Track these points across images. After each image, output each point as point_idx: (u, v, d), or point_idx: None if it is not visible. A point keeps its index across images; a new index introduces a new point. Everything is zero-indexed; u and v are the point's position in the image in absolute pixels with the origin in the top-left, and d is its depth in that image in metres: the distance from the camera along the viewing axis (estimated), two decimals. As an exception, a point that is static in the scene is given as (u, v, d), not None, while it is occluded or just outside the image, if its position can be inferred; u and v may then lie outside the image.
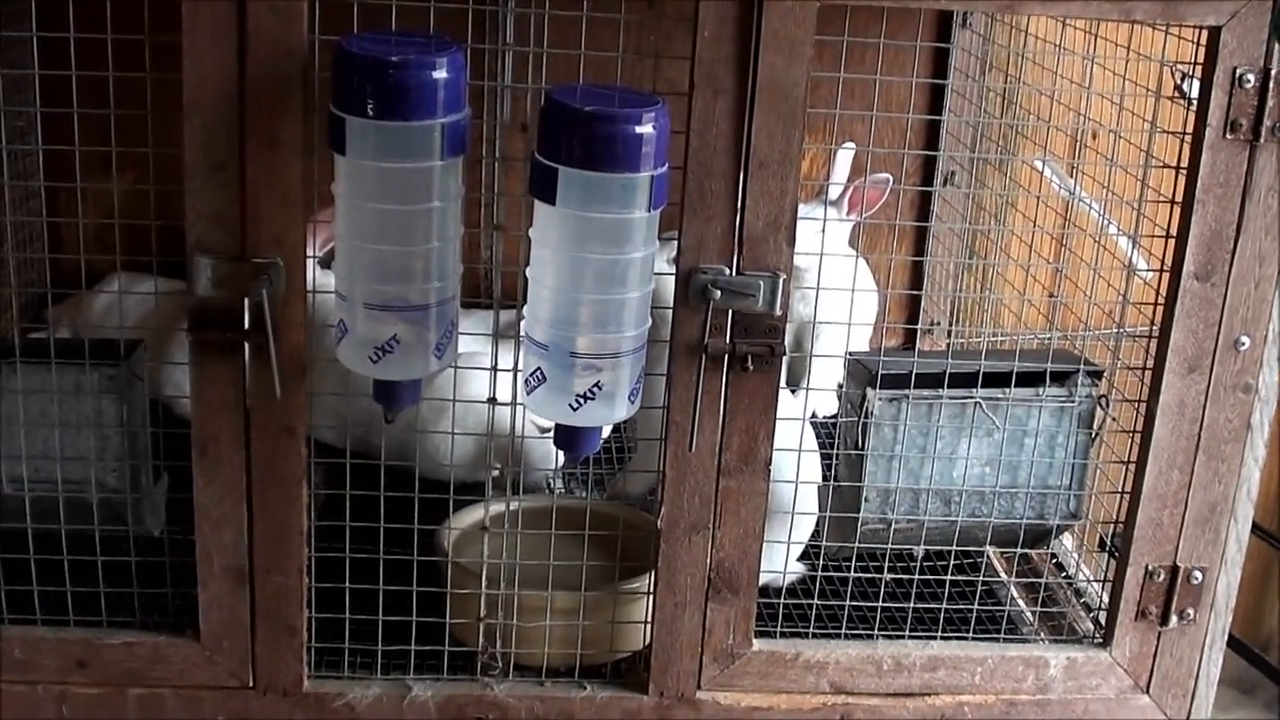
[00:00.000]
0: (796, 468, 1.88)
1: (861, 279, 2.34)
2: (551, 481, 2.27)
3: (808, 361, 2.32)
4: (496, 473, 1.93)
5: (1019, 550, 2.04)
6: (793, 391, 2.29)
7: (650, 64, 1.95)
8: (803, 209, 1.77)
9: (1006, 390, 1.94)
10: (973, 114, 2.52)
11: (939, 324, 2.70)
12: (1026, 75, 2.40)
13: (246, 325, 1.68)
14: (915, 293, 2.71)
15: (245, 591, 1.80)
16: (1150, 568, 1.92)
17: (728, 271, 1.71)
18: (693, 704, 1.90)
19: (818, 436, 2.18)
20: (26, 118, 2.09)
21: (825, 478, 2.08)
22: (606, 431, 2.30)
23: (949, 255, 2.66)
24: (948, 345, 2.64)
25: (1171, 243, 1.83)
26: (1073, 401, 1.99)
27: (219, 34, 1.61)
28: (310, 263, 1.71)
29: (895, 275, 2.72)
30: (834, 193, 2.40)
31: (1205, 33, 1.73)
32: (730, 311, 1.73)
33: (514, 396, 1.75)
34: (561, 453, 1.70)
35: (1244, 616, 2.97)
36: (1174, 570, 1.92)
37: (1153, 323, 1.87)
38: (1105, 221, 2.11)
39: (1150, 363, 1.88)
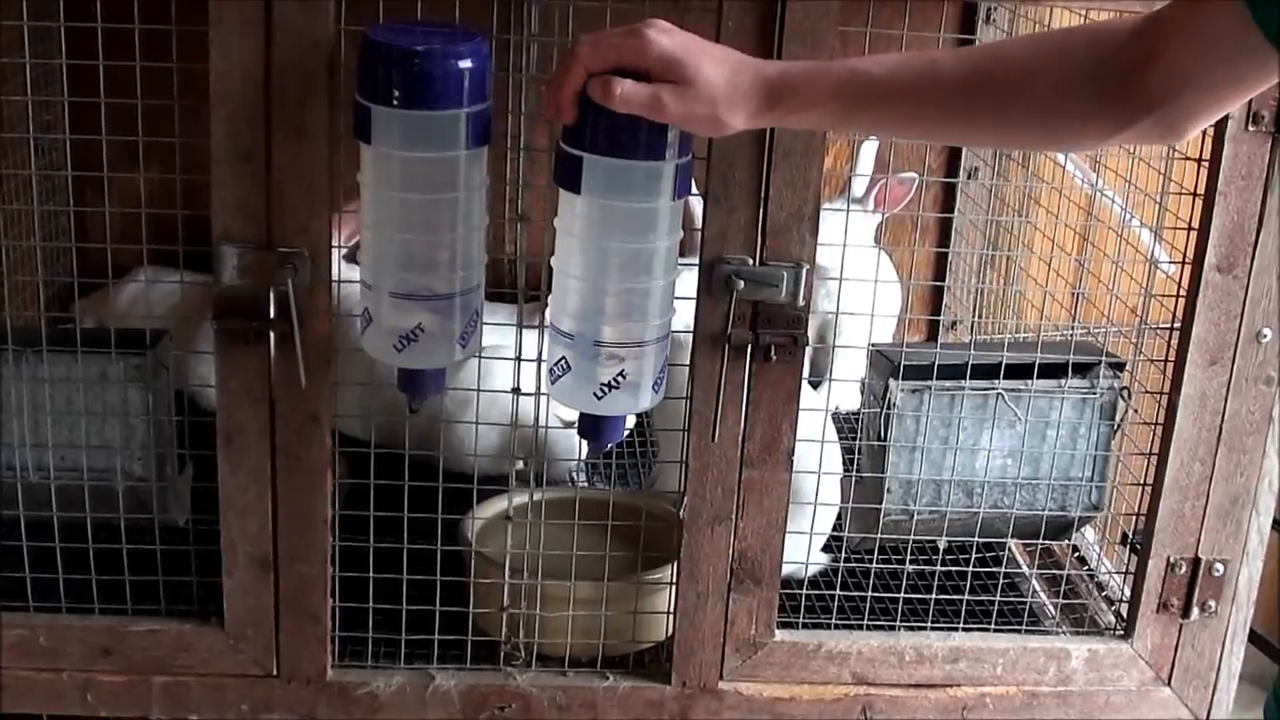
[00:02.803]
0: (819, 462, 1.89)
1: (884, 274, 2.34)
2: (575, 474, 2.27)
3: (830, 355, 2.33)
4: (521, 465, 1.94)
5: (1041, 542, 2.04)
6: (815, 387, 2.30)
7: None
8: (829, 205, 1.77)
9: (1028, 382, 1.95)
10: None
11: (962, 321, 2.70)
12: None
13: (272, 314, 1.69)
14: (939, 284, 2.71)
15: (270, 580, 1.81)
16: (1172, 560, 1.92)
17: (751, 262, 1.72)
18: (715, 694, 1.90)
19: (839, 430, 2.19)
20: (54, 111, 2.11)
21: (846, 470, 2.08)
22: (631, 421, 2.31)
23: (972, 250, 2.66)
24: (970, 338, 2.64)
25: (1193, 235, 1.84)
26: (1095, 393, 1.99)
27: (246, 24, 1.62)
28: (336, 253, 1.72)
29: (918, 271, 2.72)
30: (859, 187, 2.41)
31: (1228, 24, 1.73)
32: (754, 302, 1.74)
33: (537, 387, 1.76)
34: (586, 443, 1.71)
35: (1267, 613, 2.96)
36: (1195, 562, 1.92)
37: (1174, 315, 1.87)
38: (1128, 215, 2.11)
39: (1172, 355, 1.88)
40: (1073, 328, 2.09)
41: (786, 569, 1.88)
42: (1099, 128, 1.35)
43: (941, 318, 2.67)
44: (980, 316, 2.61)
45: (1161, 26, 1.28)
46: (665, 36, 1.40)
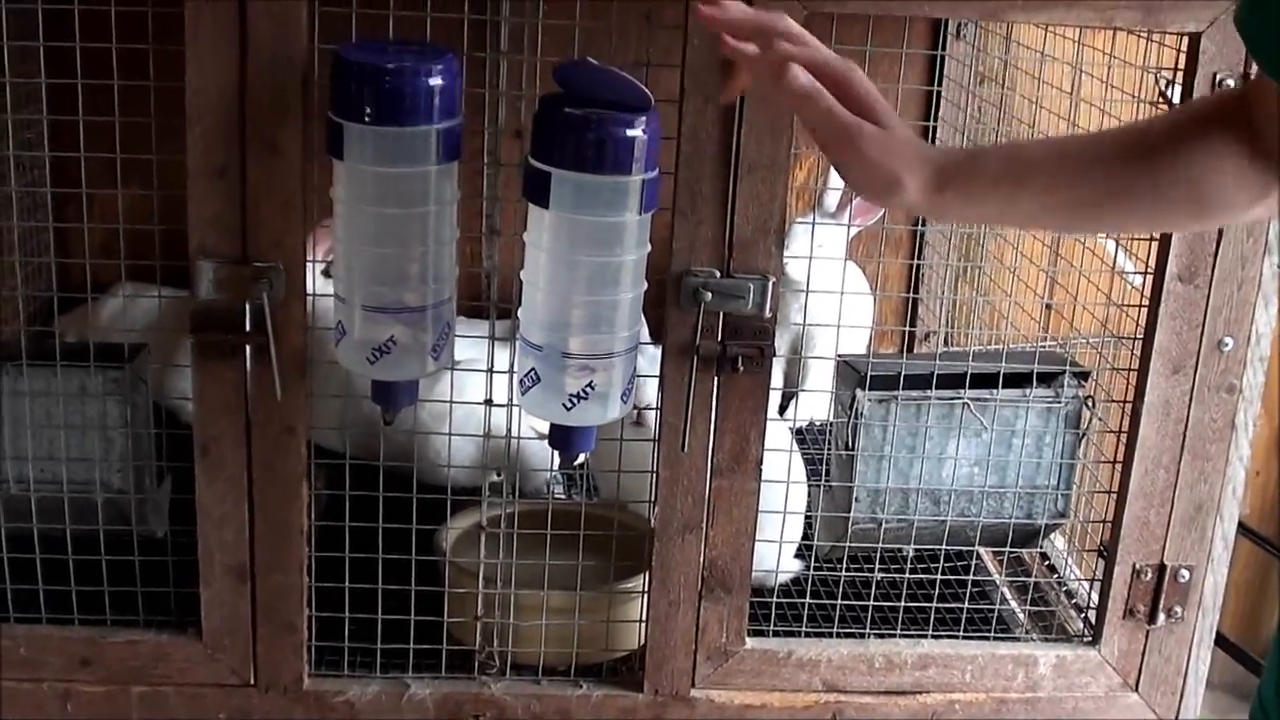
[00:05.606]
0: (788, 472, 1.91)
1: (857, 287, 2.36)
2: (552, 485, 2.29)
3: (801, 367, 2.35)
4: (499, 478, 1.96)
5: (1009, 550, 2.06)
6: (790, 399, 2.33)
7: (644, 72, 1.99)
8: (802, 219, 1.78)
9: (994, 391, 1.97)
10: (965, 122, 2.55)
11: (936, 333, 2.72)
12: (1019, 85, 2.42)
13: (248, 327, 1.71)
14: (911, 296, 2.73)
15: (246, 590, 1.83)
16: (1138, 566, 1.94)
17: (718, 274, 1.75)
18: (687, 702, 1.92)
19: (814, 441, 2.21)
20: (36, 129, 2.13)
21: (813, 480, 2.10)
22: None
23: (945, 264, 2.68)
24: (944, 350, 2.66)
25: (1156, 245, 1.86)
26: (1059, 402, 2.02)
27: (221, 43, 1.64)
28: (311, 267, 1.74)
29: (893, 284, 2.74)
30: (831, 201, 2.43)
31: (1186, 39, 1.76)
32: (721, 314, 1.76)
33: (510, 399, 1.78)
34: (557, 453, 1.73)
35: (1242, 622, 2.98)
36: (1161, 569, 1.95)
37: (1137, 325, 1.90)
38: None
39: (1136, 364, 1.90)
40: (1044, 339, 2.11)
41: (757, 576, 1.90)
42: (1246, 194, 1.25)
43: (918, 329, 2.69)
44: (954, 328, 2.63)
45: None
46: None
